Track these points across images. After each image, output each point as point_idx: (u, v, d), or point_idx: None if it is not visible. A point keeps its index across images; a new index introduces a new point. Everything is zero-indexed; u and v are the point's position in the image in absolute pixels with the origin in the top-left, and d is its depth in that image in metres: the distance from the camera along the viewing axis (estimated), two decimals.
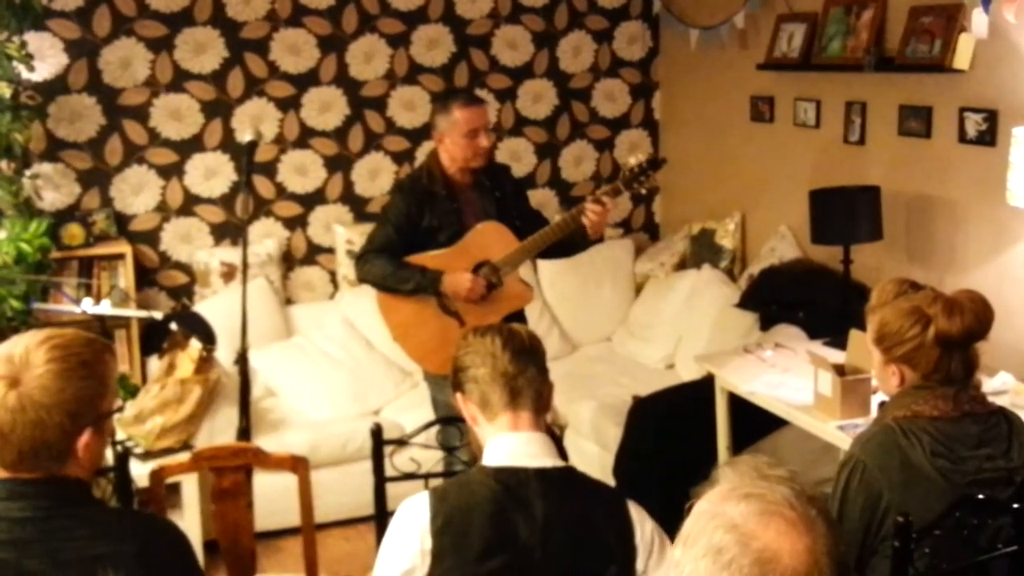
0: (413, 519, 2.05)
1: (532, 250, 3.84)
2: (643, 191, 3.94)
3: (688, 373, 4.86)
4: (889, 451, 2.38)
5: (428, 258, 3.82)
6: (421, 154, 5.65)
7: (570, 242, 3.84)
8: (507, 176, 4.09)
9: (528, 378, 2.14)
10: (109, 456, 3.78)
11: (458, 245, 3.83)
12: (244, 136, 4.13)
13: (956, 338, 2.41)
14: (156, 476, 2.86)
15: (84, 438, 1.86)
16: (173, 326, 4.63)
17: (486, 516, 2.02)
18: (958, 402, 2.42)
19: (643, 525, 2.09)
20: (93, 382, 1.86)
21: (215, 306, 5.04)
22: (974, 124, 3.92)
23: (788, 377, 3.70)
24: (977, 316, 2.42)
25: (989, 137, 3.86)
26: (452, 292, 3.79)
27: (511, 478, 2.06)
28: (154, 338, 4.89)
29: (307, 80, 5.44)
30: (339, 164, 5.58)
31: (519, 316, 3.96)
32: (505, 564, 2.02)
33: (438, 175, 3.85)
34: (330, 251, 5.60)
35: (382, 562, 2.07)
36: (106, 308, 4.01)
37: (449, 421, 3.38)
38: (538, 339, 2.24)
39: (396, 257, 3.81)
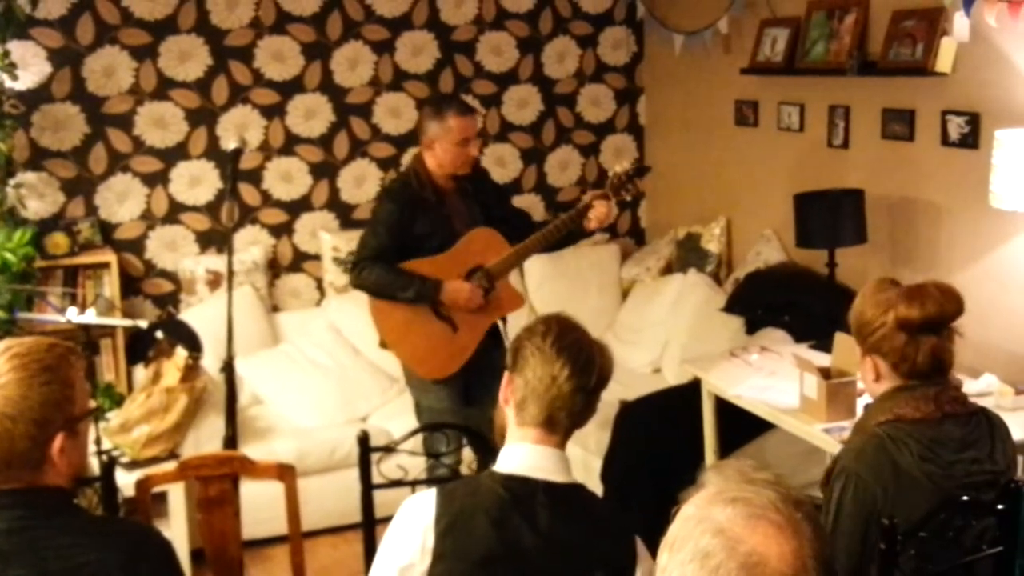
0: (418, 515, 2.04)
1: (524, 255, 3.92)
2: (628, 198, 4.01)
3: (675, 377, 4.87)
4: (880, 460, 2.37)
5: (422, 264, 3.83)
6: (407, 160, 5.64)
7: (564, 240, 3.94)
8: (488, 181, 4.13)
9: (573, 412, 2.08)
10: (95, 465, 3.78)
11: (451, 251, 3.85)
12: (229, 144, 4.12)
13: (916, 323, 2.40)
14: (142, 485, 2.84)
15: (57, 444, 1.85)
16: (159, 334, 4.62)
17: (490, 520, 2.01)
18: (939, 403, 2.42)
19: (645, 561, 2.08)
20: (57, 387, 1.84)
21: (201, 314, 5.02)
22: (957, 127, 3.94)
23: (774, 380, 3.71)
24: (939, 304, 2.42)
25: (972, 140, 3.88)
26: (451, 301, 3.82)
27: (520, 487, 2.05)
28: (140, 347, 4.87)
29: (292, 87, 5.44)
30: (325, 171, 5.57)
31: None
32: (505, 571, 2.01)
33: (426, 181, 3.87)
34: (316, 258, 5.59)
35: (382, 555, 2.06)
36: (91, 317, 4.00)
37: (435, 427, 3.38)
38: (609, 372, 2.14)
39: (390, 263, 3.81)
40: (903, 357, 2.43)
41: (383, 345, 4.01)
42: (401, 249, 3.82)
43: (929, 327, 2.42)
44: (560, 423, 2.08)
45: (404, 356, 3.96)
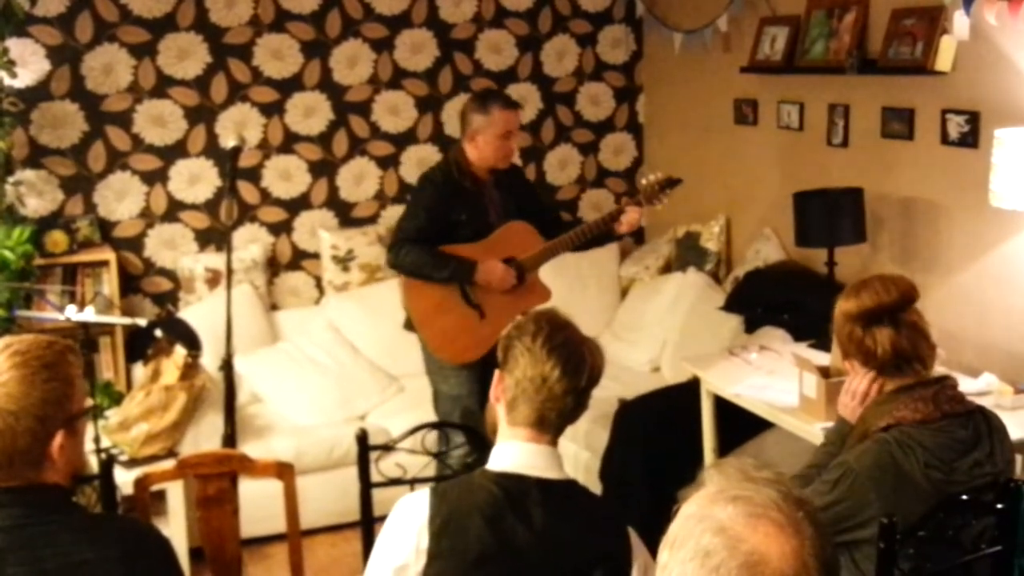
0: (412, 516, 2.03)
1: (556, 251, 4.04)
2: (658, 207, 4.13)
3: (673, 376, 4.87)
4: (884, 467, 2.36)
5: (459, 249, 3.95)
6: (406, 159, 5.65)
7: (593, 241, 4.09)
8: (522, 176, 4.28)
9: (563, 411, 2.08)
10: (94, 463, 3.78)
11: (487, 241, 3.98)
12: (228, 142, 4.12)
13: (854, 315, 2.45)
14: (141, 483, 2.84)
15: (57, 440, 1.86)
16: (158, 333, 4.61)
17: (484, 519, 2.01)
18: (938, 403, 2.42)
19: (641, 555, 2.08)
20: (58, 383, 1.86)
21: (200, 312, 5.02)
22: (956, 126, 3.93)
23: (773, 379, 3.71)
24: (876, 294, 2.44)
25: (971, 139, 3.87)
26: (485, 281, 3.94)
27: (513, 485, 2.05)
28: (139, 345, 4.87)
29: (291, 85, 5.43)
30: (324, 169, 5.56)
31: None
32: (500, 570, 2.01)
33: (467, 171, 3.98)
34: (315, 256, 5.59)
35: (376, 556, 2.05)
36: (90, 315, 3.99)
37: (436, 426, 3.38)
38: (600, 370, 2.12)
39: (428, 246, 3.92)
40: (865, 352, 2.46)
41: (408, 326, 4.08)
42: (436, 234, 3.93)
43: (872, 318, 2.43)
44: (551, 423, 2.08)
45: (429, 337, 4.03)
